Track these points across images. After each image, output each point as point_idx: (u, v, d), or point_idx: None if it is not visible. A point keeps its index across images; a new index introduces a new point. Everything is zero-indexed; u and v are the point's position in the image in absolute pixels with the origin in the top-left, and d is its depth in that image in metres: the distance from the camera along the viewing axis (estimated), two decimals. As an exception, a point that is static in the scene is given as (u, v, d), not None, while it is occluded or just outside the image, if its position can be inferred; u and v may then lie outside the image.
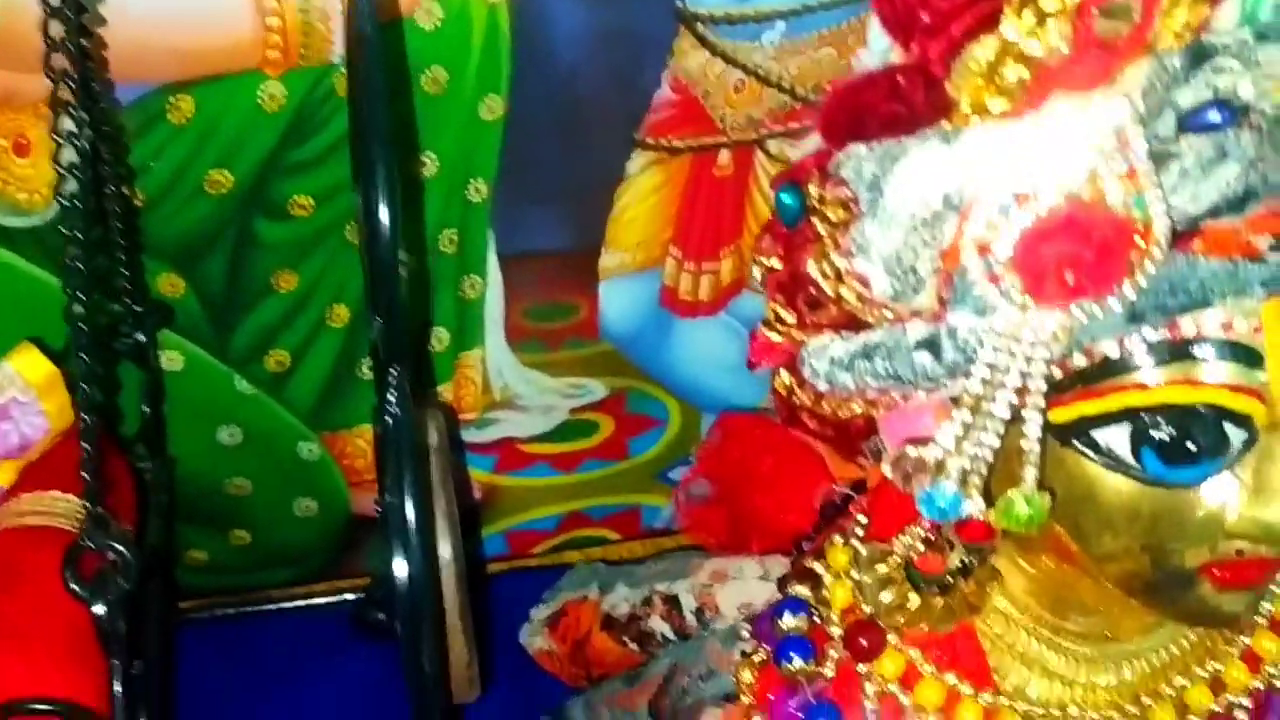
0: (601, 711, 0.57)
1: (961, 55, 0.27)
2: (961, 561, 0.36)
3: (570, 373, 0.71)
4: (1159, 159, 0.27)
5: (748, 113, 0.64)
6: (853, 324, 0.32)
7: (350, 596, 0.73)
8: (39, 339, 0.55)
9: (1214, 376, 0.31)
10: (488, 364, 0.69)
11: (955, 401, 0.30)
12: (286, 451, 0.68)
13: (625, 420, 0.73)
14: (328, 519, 0.72)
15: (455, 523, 0.50)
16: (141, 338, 0.56)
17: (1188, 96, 0.27)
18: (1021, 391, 0.29)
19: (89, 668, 0.42)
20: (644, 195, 0.65)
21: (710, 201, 0.67)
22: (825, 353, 0.33)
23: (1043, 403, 0.29)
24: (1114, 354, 0.31)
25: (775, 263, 0.33)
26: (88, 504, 0.41)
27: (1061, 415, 0.32)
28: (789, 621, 0.39)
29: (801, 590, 0.40)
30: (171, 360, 0.64)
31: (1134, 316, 0.29)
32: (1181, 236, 0.29)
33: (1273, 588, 0.41)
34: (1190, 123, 0.27)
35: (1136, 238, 0.26)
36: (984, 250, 0.27)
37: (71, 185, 0.44)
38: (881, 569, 0.36)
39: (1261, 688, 0.39)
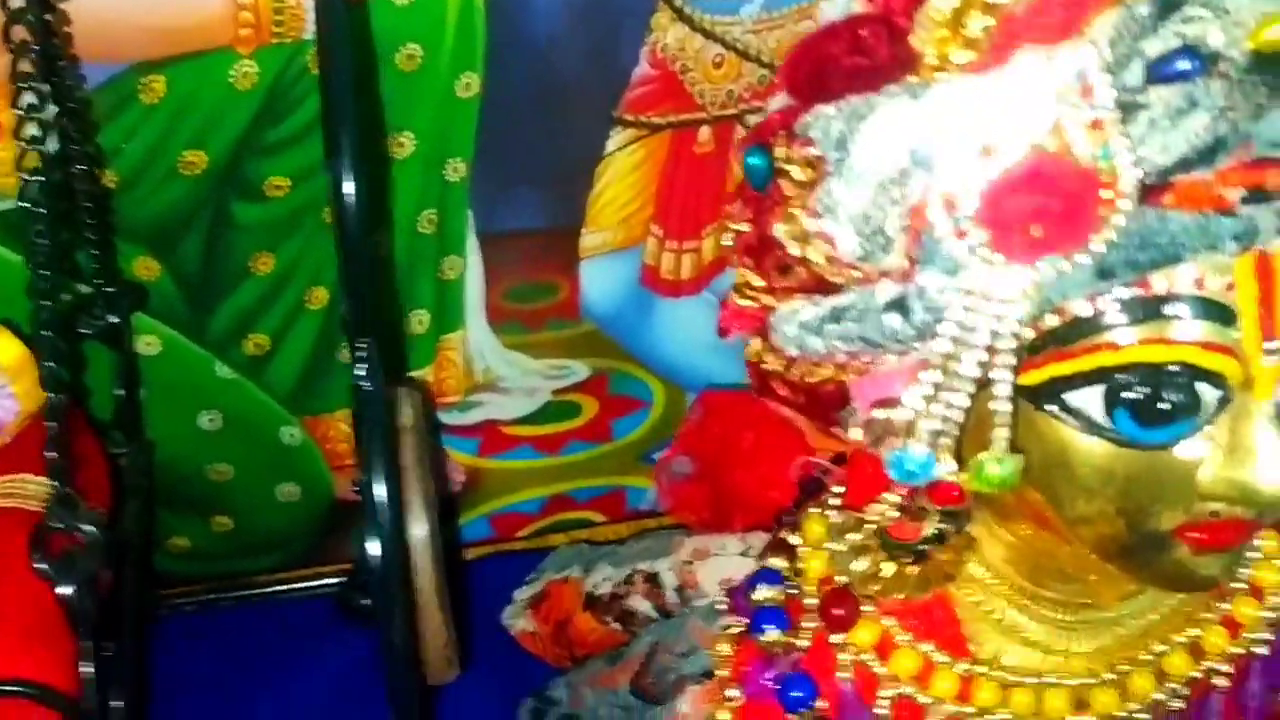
0: (584, 692, 0.57)
1: (925, 6, 0.27)
2: (936, 529, 0.35)
3: (552, 354, 0.70)
4: (1127, 109, 0.27)
5: (728, 88, 0.63)
6: (822, 288, 0.32)
7: (334, 581, 0.72)
8: (10, 321, 0.55)
9: (1186, 335, 0.30)
10: (469, 346, 0.69)
11: (925, 363, 0.30)
12: (267, 436, 0.68)
13: (609, 401, 0.73)
14: (311, 504, 0.71)
15: (432, 503, 0.50)
16: (114, 319, 0.56)
17: (1156, 45, 0.26)
18: (991, 351, 0.29)
19: (59, 649, 0.41)
20: (624, 173, 0.65)
21: (691, 179, 0.67)
22: (795, 317, 0.32)
23: (1012, 361, 0.29)
24: (1085, 313, 0.31)
25: (744, 226, 0.33)
26: (55, 483, 0.40)
27: (1034, 377, 0.32)
28: (763, 593, 0.39)
29: (777, 562, 0.40)
30: (149, 344, 0.64)
31: (1104, 273, 0.29)
32: (1152, 190, 0.28)
33: (1252, 553, 0.41)
34: (1159, 72, 0.26)
35: (1104, 190, 0.26)
36: (950, 206, 0.27)
37: (33, 160, 0.43)
38: (854, 537, 0.35)
39: (1241, 653, 0.39)
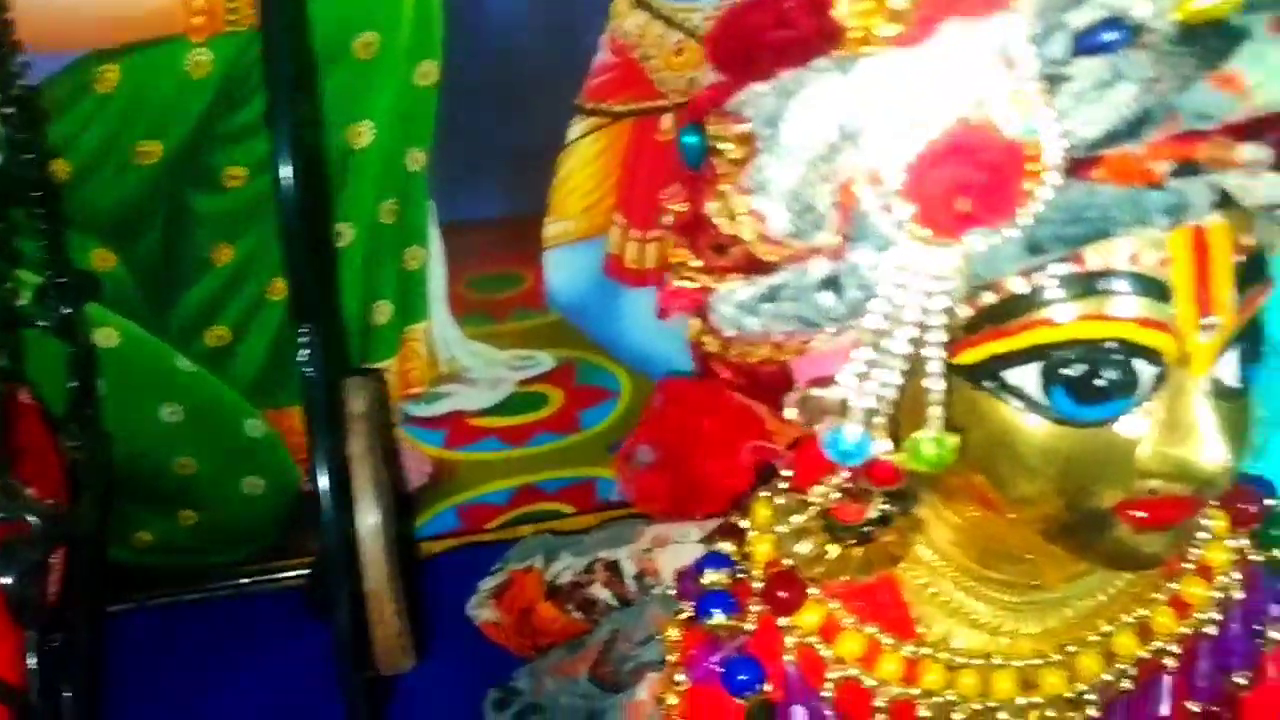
0: (546, 681, 0.57)
1: (847, -23, 0.26)
2: (880, 511, 0.35)
3: (518, 344, 0.70)
4: (1053, 81, 0.26)
5: (689, 75, 0.63)
6: (757, 267, 0.31)
7: (301, 574, 0.72)
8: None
9: (1122, 311, 0.30)
10: (434, 337, 0.68)
11: (860, 341, 0.30)
12: (231, 429, 0.68)
13: (576, 392, 0.72)
14: (276, 496, 0.71)
15: (385, 492, 0.49)
16: (66, 310, 0.55)
17: (1081, 17, 0.26)
18: (922, 328, 0.29)
19: (5, 641, 0.41)
20: (585, 162, 0.65)
21: (654, 167, 0.66)
22: (731, 297, 0.32)
23: (943, 338, 0.29)
24: (1022, 290, 0.30)
25: (681, 206, 0.33)
26: (-3, 473, 0.40)
27: (972, 355, 0.32)
28: (710, 577, 0.38)
29: (725, 546, 0.39)
30: (108, 337, 0.63)
31: (1034, 247, 0.28)
32: (1081, 163, 0.28)
33: (1201, 533, 0.41)
34: (1084, 44, 0.26)
35: (1029, 163, 0.26)
36: (876, 181, 0.27)
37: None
38: (797, 519, 0.35)
39: (1190, 633, 0.39)
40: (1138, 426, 0.32)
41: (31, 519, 0.39)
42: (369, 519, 0.46)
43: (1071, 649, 0.38)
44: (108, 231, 0.61)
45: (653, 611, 0.51)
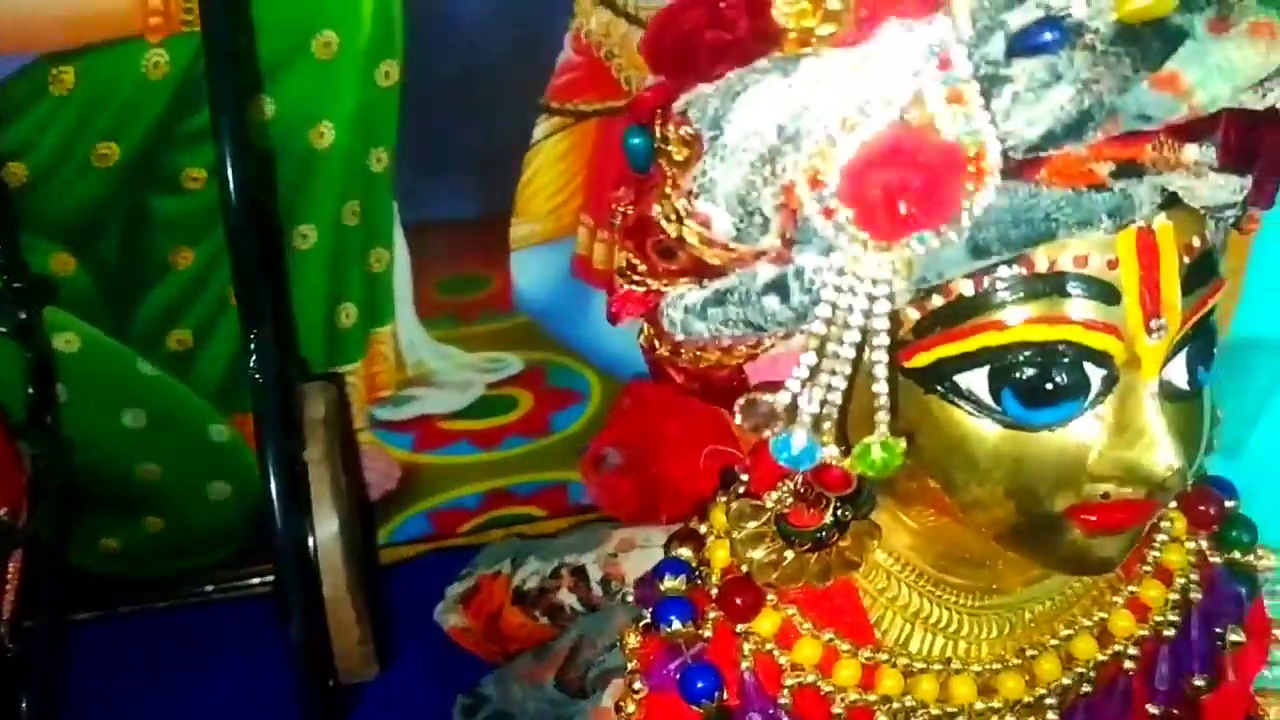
0: (514, 687, 0.56)
1: (783, -23, 0.26)
2: (836, 517, 0.35)
3: (486, 347, 0.70)
4: (992, 82, 0.26)
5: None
6: (704, 270, 0.31)
7: (269, 580, 0.71)
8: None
9: (1069, 313, 0.30)
10: (400, 339, 0.68)
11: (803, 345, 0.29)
12: (195, 434, 0.67)
13: (546, 394, 0.72)
14: (243, 502, 0.70)
15: (344, 497, 0.49)
16: (23, 315, 0.55)
17: (1018, 17, 0.26)
18: (866, 332, 0.28)
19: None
20: (551, 162, 0.64)
21: (621, 167, 0.66)
22: (680, 301, 0.32)
23: (887, 342, 0.28)
24: (969, 292, 0.30)
25: (627, 208, 0.32)
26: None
27: (923, 359, 0.31)
28: (667, 583, 0.38)
29: (683, 552, 0.39)
30: (68, 342, 0.63)
31: (978, 250, 0.28)
32: (1025, 165, 0.28)
33: (1159, 535, 0.41)
34: (1021, 44, 0.26)
35: (969, 165, 0.26)
36: (816, 183, 0.26)
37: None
38: (751, 525, 0.35)
39: (1149, 636, 0.39)
40: (1088, 430, 0.31)
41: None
42: (328, 526, 0.45)
43: (1030, 653, 0.38)
44: (67, 235, 0.60)
45: (618, 617, 0.51)
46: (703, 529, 0.40)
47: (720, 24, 0.26)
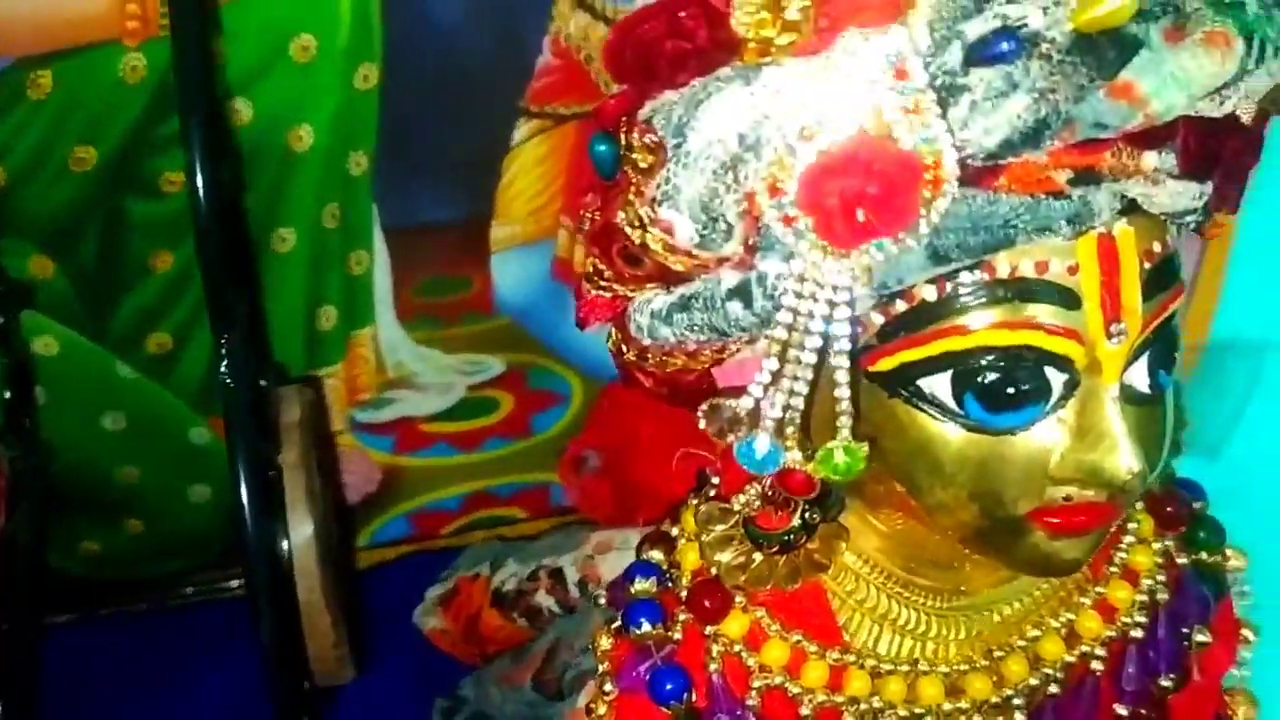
0: (492, 690, 0.56)
1: (741, -13, 0.26)
2: (803, 519, 0.35)
3: (467, 349, 0.70)
4: (951, 91, 0.26)
5: (634, 79, 0.63)
6: (671, 276, 0.31)
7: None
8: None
9: (1031, 318, 0.30)
10: (380, 341, 0.68)
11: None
12: (175, 437, 0.67)
13: (527, 396, 0.72)
14: (224, 505, 0.70)
15: (319, 501, 0.49)
16: (0, 319, 0.54)
17: (976, 27, 0.26)
18: (827, 338, 0.29)
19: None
20: (530, 165, 0.64)
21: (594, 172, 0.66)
22: (647, 306, 0.32)
23: (849, 347, 0.29)
24: (932, 297, 0.31)
25: (594, 214, 0.32)
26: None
27: (887, 363, 0.32)
28: (638, 586, 0.38)
29: (654, 554, 0.39)
30: (47, 345, 0.63)
31: (938, 256, 0.28)
32: (985, 172, 0.28)
33: (1126, 537, 0.41)
34: (979, 54, 0.26)
35: (926, 173, 0.26)
36: (775, 191, 0.27)
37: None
38: (719, 528, 0.35)
39: (1116, 637, 0.39)
40: (1050, 433, 0.32)
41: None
42: (302, 530, 0.46)
43: (998, 654, 0.38)
44: (45, 239, 0.60)
45: (595, 619, 0.51)
46: (674, 531, 0.40)
47: (680, 34, 0.27)
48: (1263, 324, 0.89)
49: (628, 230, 0.30)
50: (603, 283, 0.32)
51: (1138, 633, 0.39)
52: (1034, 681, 0.38)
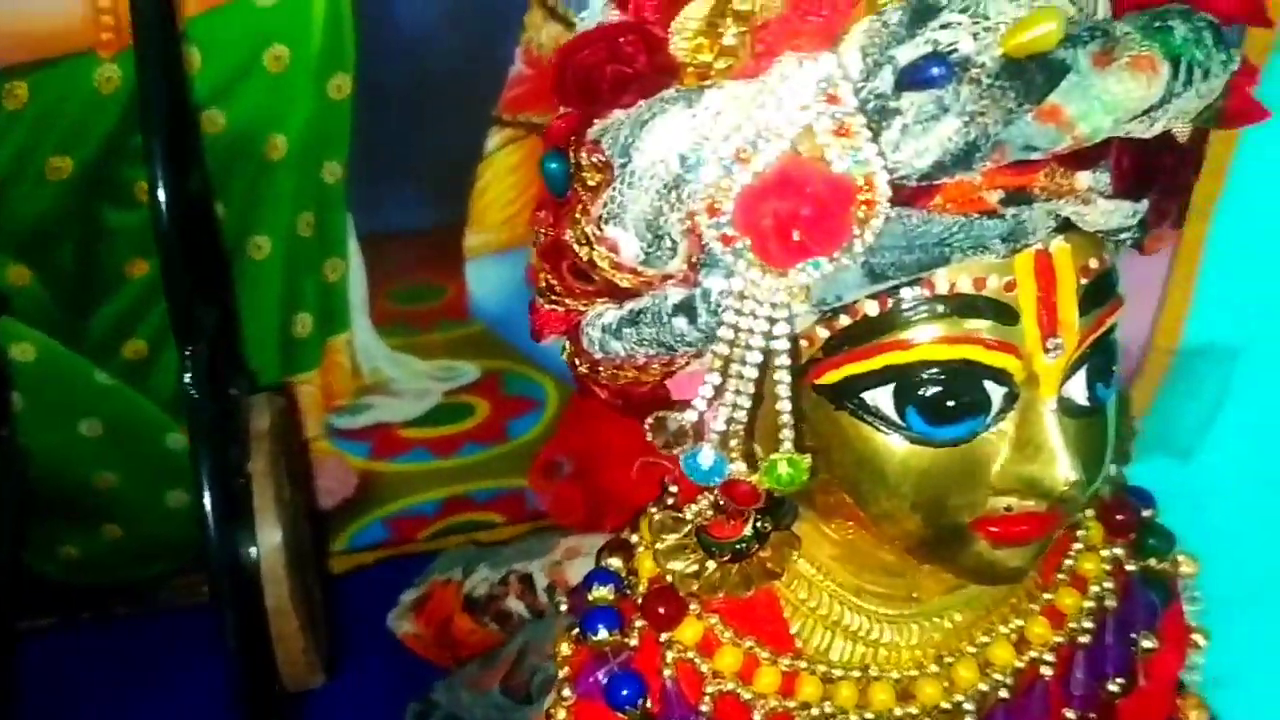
0: (462, 693, 0.57)
1: (679, 15, 0.27)
2: (756, 528, 0.36)
3: (442, 355, 0.70)
4: (883, 115, 0.27)
5: (605, 88, 0.64)
6: (619, 292, 0.32)
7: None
8: None
9: (969, 333, 0.31)
10: (356, 347, 0.68)
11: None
12: (152, 443, 0.68)
13: (502, 402, 0.73)
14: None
15: (288, 508, 0.50)
16: (-26, 327, 0.55)
17: (907, 52, 0.27)
18: (767, 353, 0.29)
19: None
20: (503, 174, 0.65)
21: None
22: (598, 320, 0.33)
23: (788, 362, 0.29)
24: (874, 312, 0.31)
25: (545, 230, 0.33)
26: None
27: (832, 377, 0.32)
28: (596, 593, 0.39)
29: (613, 562, 0.40)
30: (23, 352, 0.63)
31: (874, 274, 0.29)
32: (920, 192, 0.29)
33: (1075, 544, 0.42)
34: (910, 79, 0.27)
35: (859, 194, 0.27)
36: (714, 211, 0.27)
37: None
38: (672, 537, 0.36)
39: (1064, 643, 0.40)
40: (991, 445, 0.32)
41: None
42: (270, 537, 0.46)
43: (949, 660, 0.39)
44: (22, 247, 0.61)
45: (561, 624, 0.52)
46: (633, 539, 0.41)
47: (620, 59, 0.27)
48: (1235, 329, 0.90)
49: (576, 247, 0.31)
50: (555, 297, 0.33)
51: (1086, 638, 0.40)
52: (984, 687, 0.39)
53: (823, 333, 0.32)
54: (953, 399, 0.32)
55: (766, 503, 0.34)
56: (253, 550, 0.45)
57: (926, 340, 0.31)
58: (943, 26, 0.27)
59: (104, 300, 0.63)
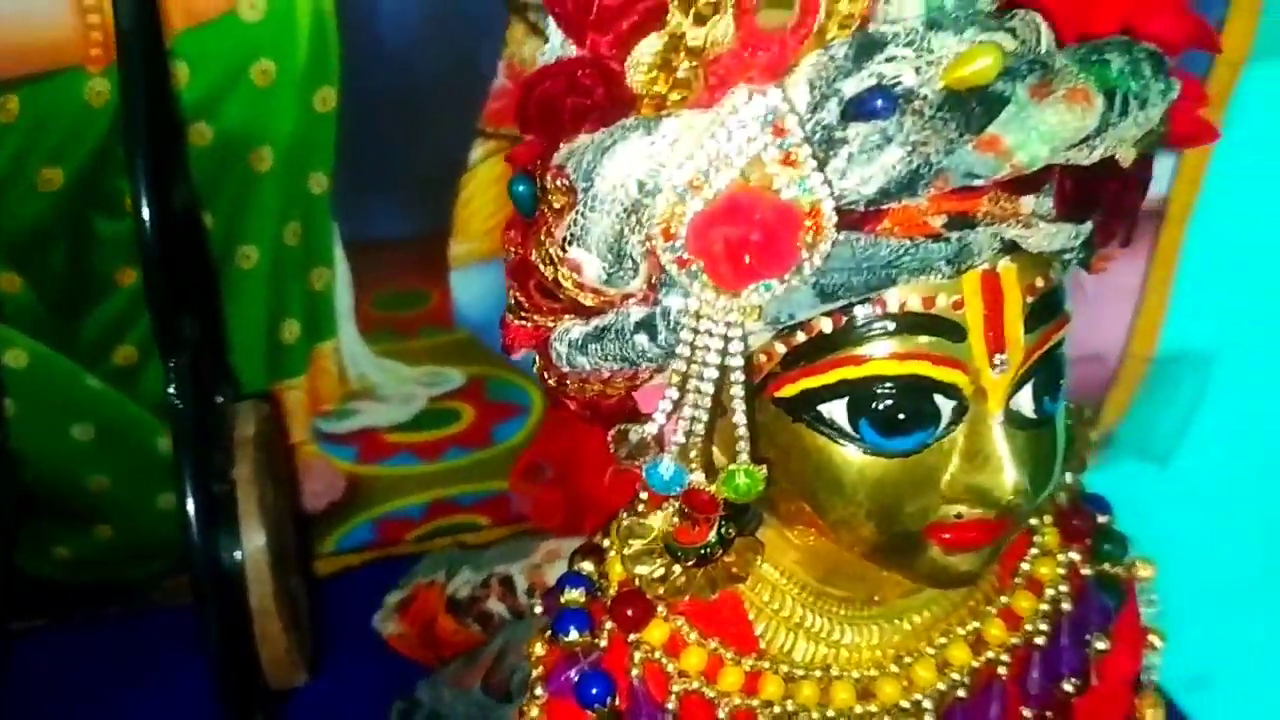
0: (444, 692, 0.58)
1: (633, 50, 0.28)
2: (720, 534, 0.37)
3: (428, 361, 0.72)
4: (829, 145, 0.29)
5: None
6: (583, 309, 0.33)
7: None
8: None
9: (920, 350, 0.33)
10: (343, 354, 0.70)
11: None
12: (143, 446, 0.69)
13: (487, 407, 0.74)
14: (190, 512, 0.72)
15: (271, 512, 0.51)
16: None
17: (852, 85, 0.28)
18: (724, 369, 0.31)
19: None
20: (487, 184, 0.66)
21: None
22: (566, 336, 0.34)
23: (743, 377, 0.31)
24: (829, 329, 0.33)
25: (514, 249, 0.34)
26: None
27: (789, 390, 0.34)
28: (568, 595, 0.40)
29: (585, 565, 0.41)
30: (16, 358, 0.64)
31: (825, 293, 0.31)
32: (868, 217, 0.30)
33: (1032, 549, 0.43)
34: (856, 110, 0.28)
35: (806, 219, 0.28)
36: (669, 235, 0.29)
37: None
38: (638, 543, 0.37)
39: (1020, 644, 0.41)
40: (941, 455, 0.34)
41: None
42: (254, 540, 0.47)
43: (908, 660, 0.40)
44: (13, 254, 0.62)
45: (536, 625, 0.53)
46: (605, 544, 0.42)
47: (579, 91, 0.29)
48: (1210, 335, 0.91)
49: (542, 267, 0.32)
50: (524, 314, 0.34)
51: (1041, 640, 0.42)
52: (942, 686, 0.40)
53: (781, 349, 0.34)
54: (904, 412, 0.33)
55: (731, 510, 0.35)
56: (237, 554, 0.47)
57: (879, 356, 0.33)
58: (888, 60, 0.29)
59: (94, 307, 0.64)
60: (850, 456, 0.34)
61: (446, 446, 0.74)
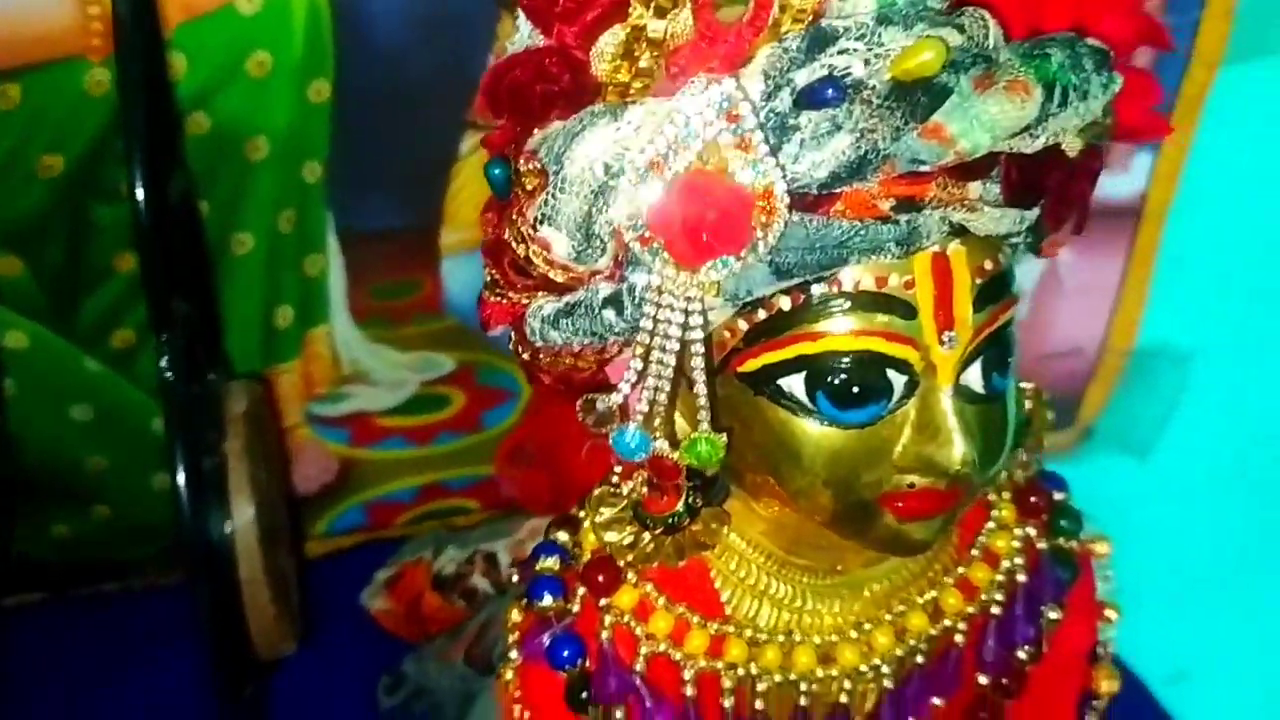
0: (430, 666, 0.60)
1: (598, 41, 0.30)
2: (688, 504, 0.39)
3: (419, 347, 0.73)
4: (782, 131, 0.31)
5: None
6: (556, 286, 0.35)
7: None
8: None
9: (873, 326, 0.34)
10: (336, 339, 0.72)
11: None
12: (140, 428, 0.71)
13: (477, 393, 0.76)
14: (186, 493, 0.74)
15: (261, 486, 0.53)
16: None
17: (804, 75, 0.30)
18: (683, 342, 0.33)
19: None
20: (477, 175, 0.67)
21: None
22: (539, 312, 0.36)
23: (703, 349, 0.33)
24: (788, 307, 0.35)
25: (490, 229, 0.36)
26: None
27: (751, 365, 0.36)
28: (542, 563, 0.42)
29: (560, 535, 0.43)
30: (16, 340, 0.66)
31: (780, 271, 0.33)
32: (821, 200, 0.32)
33: (989, 523, 0.45)
34: (807, 99, 0.30)
35: (759, 201, 0.30)
36: (632, 216, 0.31)
37: None
38: (609, 511, 0.39)
39: (977, 613, 0.43)
40: (894, 428, 0.36)
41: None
42: (244, 512, 0.49)
43: (867, 627, 0.42)
44: (13, 240, 0.64)
45: (513, 593, 0.55)
46: (580, 514, 0.44)
47: (546, 78, 0.31)
48: (1189, 329, 0.93)
49: (514, 245, 0.34)
50: (499, 291, 0.36)
51: (997, 610, 0.43)
52: (900, 653, 0.42)
53: (743, 325, 0.36)
54: (858, 385, 0.35)
55: (699, 481, 0.37)
56: (227, 526, 0.49)
57: (835, 332, 0.35)
58: (839, 53, 0.30)
59: (93, 291, 0.66)
60: (809, 428, 0.36)
61: (437, 431, 0.76)
